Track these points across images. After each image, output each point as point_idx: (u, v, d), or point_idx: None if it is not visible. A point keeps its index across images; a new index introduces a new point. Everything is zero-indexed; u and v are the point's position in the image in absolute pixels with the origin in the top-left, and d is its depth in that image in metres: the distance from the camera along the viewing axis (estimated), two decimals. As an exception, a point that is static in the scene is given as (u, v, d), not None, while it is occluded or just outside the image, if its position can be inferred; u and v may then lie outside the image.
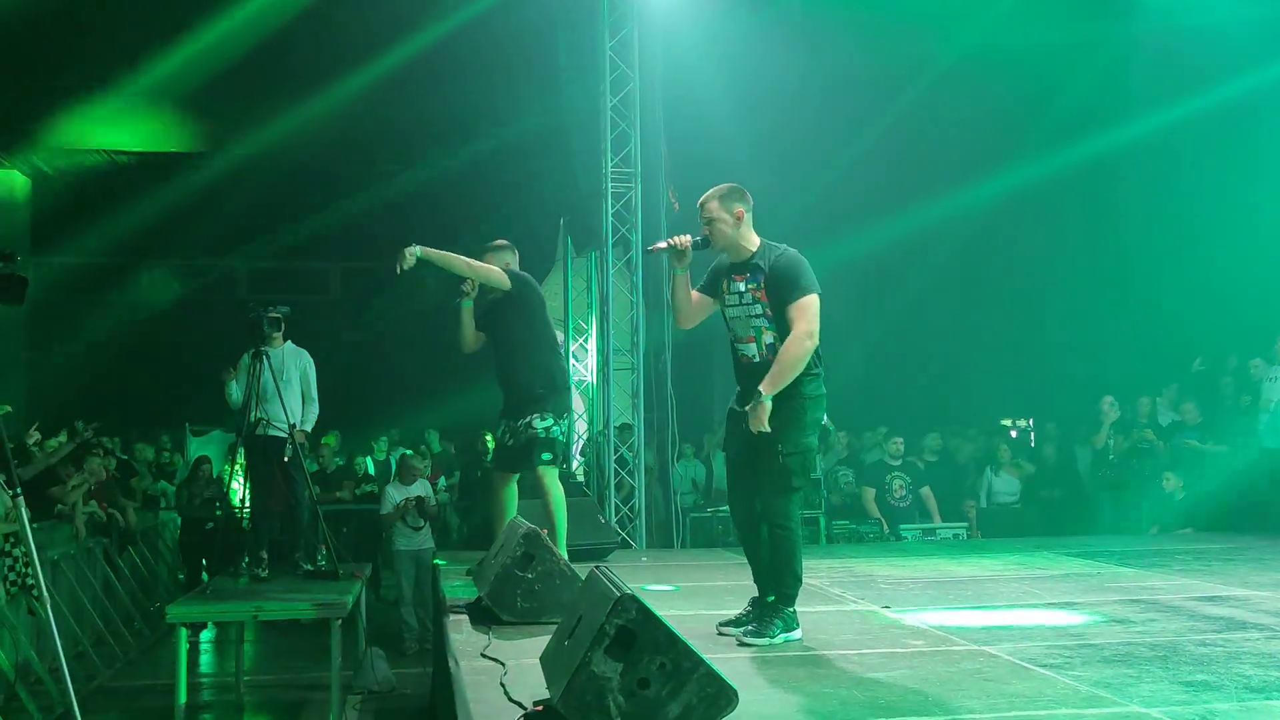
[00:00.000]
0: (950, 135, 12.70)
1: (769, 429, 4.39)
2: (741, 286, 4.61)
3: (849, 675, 3.91)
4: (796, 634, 4.53)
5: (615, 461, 9.50)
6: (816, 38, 11.04)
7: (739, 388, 4.69)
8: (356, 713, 7.17)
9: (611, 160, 9.61)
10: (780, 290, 4.50)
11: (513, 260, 6.11)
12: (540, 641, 3.75)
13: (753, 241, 4.66)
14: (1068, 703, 3.49)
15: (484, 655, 4.18)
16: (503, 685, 3.64)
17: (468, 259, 5.87)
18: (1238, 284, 10.89)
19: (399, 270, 5.70)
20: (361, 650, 7.64)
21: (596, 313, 10.28)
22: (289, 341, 7.53)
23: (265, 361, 7.17)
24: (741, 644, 4.42)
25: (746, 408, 4.45)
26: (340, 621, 6.34)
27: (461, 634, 4.67)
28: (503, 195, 13.36)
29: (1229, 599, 5.50)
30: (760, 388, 4.38)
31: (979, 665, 4.04)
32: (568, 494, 7.34)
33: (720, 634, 4.61)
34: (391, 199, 14.13)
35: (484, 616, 4.89)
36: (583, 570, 4.08)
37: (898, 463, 10.62)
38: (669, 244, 4.63)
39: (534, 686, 3.47)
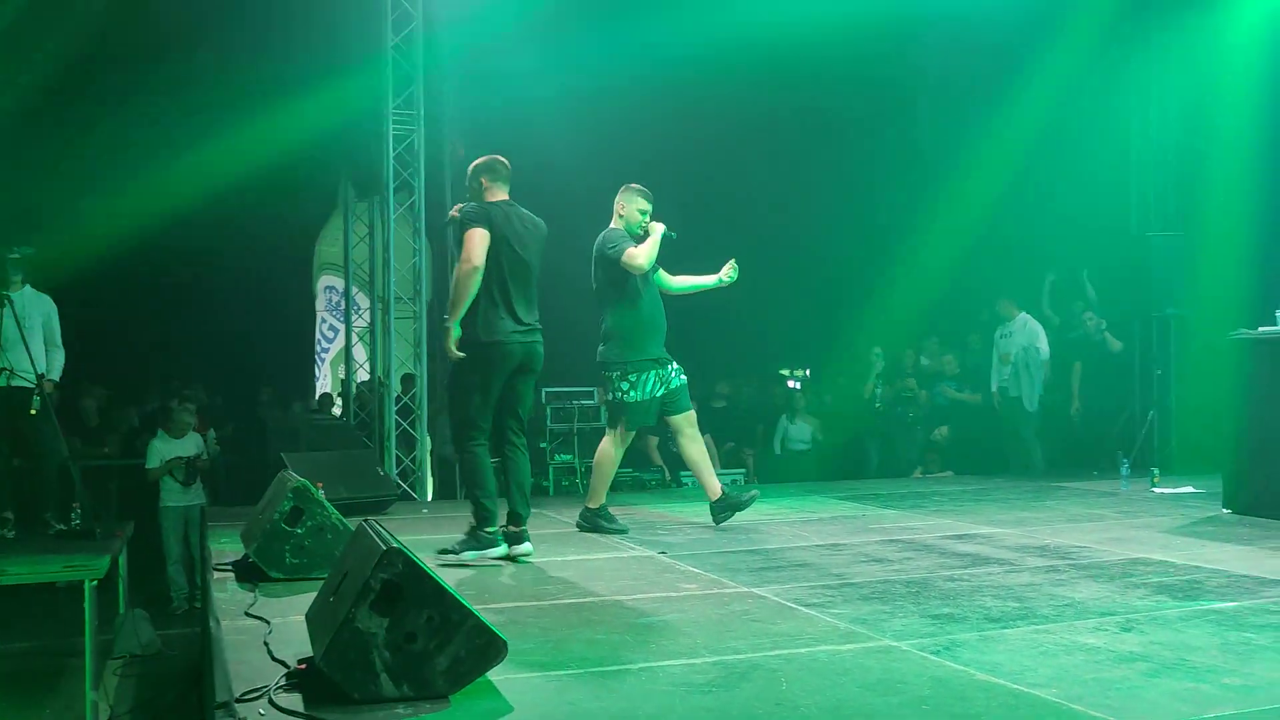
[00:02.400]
0: (734, 93, 12.87)
1: (457, 355, 5.17)
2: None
3: (623, 620, 3.97)
4: (494, 552, 5.18)
5: (398, 412, 9.29)
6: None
7: None
8: (117, 678, 6.79)
9: (393, 103, 9.30)
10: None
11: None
12: (308, 598, 3.64)
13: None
14: (827, 639, 3.65)
15: (248, 614, 4.02)
16: (266, 644, 3.51)
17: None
18: (1002, 237, 11.58)
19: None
20: (121, 614, 7.24)
21: (378, 260, 9.97)
22: (28, 285, 6.97)
23: (8, 307, 6.61)
24: (437, 563, 4.86)
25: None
26: (95, 583, 5.96)
27: (226, 592, 4.49)
28: (280, 135, 12.73)
29: (976, 536, 5.90)
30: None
31: (747, 607, 4.19)
32: (346, 445, 7.15)
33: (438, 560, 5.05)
34: (150, 130, 13.23)
35: (251, 574, 4.71)
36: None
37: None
38: None
39: (299, 645, 3.37)
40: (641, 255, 6.08)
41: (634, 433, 6.54)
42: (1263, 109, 9.94)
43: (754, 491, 6.72)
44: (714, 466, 10.67)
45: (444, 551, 5.18)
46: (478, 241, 5.17)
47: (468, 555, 5.13)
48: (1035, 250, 11.22)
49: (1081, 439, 10.20)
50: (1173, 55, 11.12)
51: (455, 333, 5.16)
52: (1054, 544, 5.63)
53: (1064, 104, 10.96)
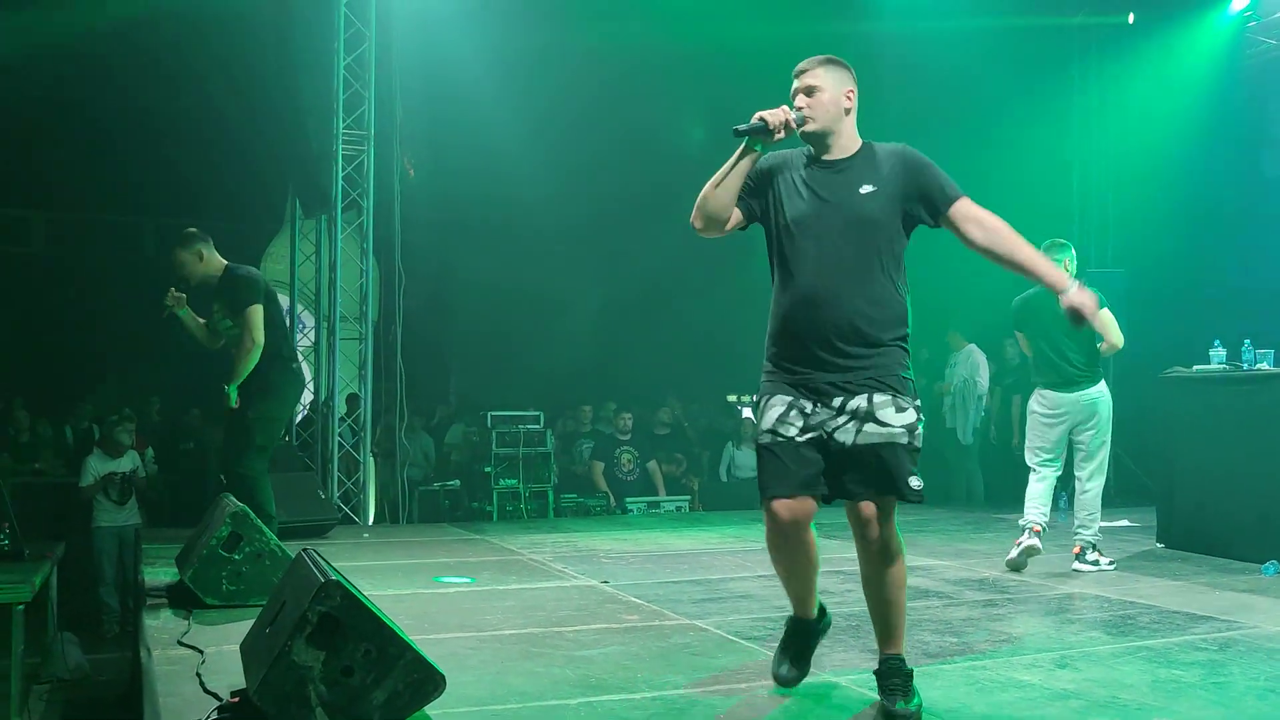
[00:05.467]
0: (690, 106, 12.86)
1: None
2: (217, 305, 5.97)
3: (562, 653, 3.96)
4: None
5: (340, 434, 9.19)
6: (567, 13, 10.99)
7: None
8: (43, 703, 6.62)
9: (344, 121, 9.24)
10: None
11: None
12: (244, 626, 3.57)
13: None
14: (768, 674, 3.66)
15: (181, 642, 3.95)
16: (199, 675, 3.45)
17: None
18: (950, 269, 11.72)
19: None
20: (50, 636, 7.06)
21: (324, 279, 9.88)
22: None
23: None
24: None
25: None
26: (23, 606, 5.81)
27: (158, 620, 4.40)
28: (230, 152, 12.60)
29: (916, 569, 5.93)
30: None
31: (689, 639, 4.19)
32: (287, 468, 7.05)
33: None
34: (104, 144, 13.06)
35: (186, 600, 4.63)
36: (299, 549, 3.92)
37: (626, 437, 10.85)
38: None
39: (233, 676, 3.31)
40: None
41: None
42: (1198, 146, 10.20)
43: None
44: (659, 493, 10.77)
45: None
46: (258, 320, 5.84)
47: None
48: (977, 283, 11.37)
49: (1023, 472, 10.33)
50: (1113, 94, 11.42)
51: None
52: (992, 577, 5.71)
53: (1008, 140, 11.14)
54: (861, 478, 3.16)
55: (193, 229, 5.96)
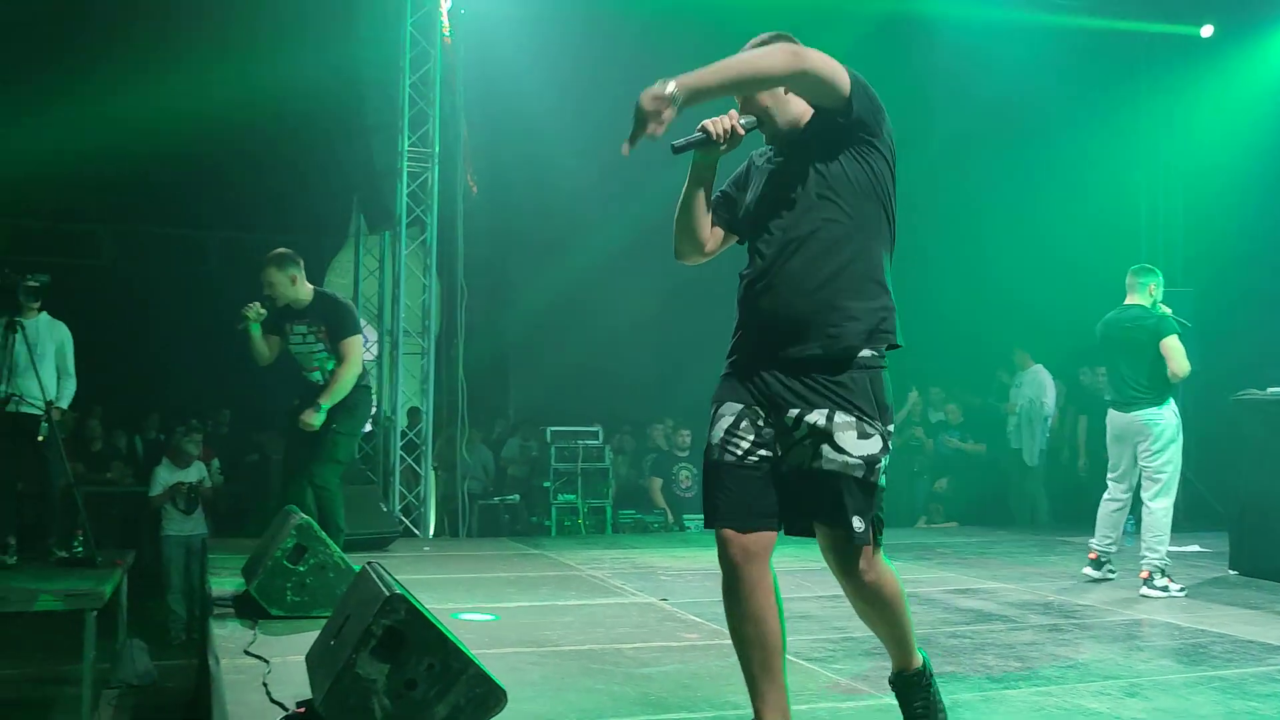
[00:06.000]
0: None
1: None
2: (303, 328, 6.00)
3: (622, 670, 3.95)
4: None
5: (402, 447, 9.29)
6: (625, 31, 11.05)
7: None
8: (112, 708, 6.76)
9: (408, 139, 9.38)
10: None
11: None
12: (309, 637, 3.62)
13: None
14: (828, 696, 3.63)
15: (248, 652, 4.01)
16: (265, 685, 3.50)
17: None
18: (1015, 288, 11.58)
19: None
20: (120, 642, 7.21)
21: (387, 294, 10.01)
22: (44, 312, 7.02)
23: (20, 333, 6.65)
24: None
25: None
26: (95, 612, 5.95)
27: (225, 629, 4.47)
28: (295, 167, 12.83)
29: (979, 591, 5.87)
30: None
31: (748, 658, 4.15)
32: (350, 481, 7.15)
33: None
34: (170, 158, 13.33)
35: (252, 610, 4.70)
36: (361, 562, 3.97)
37: (685, 454, 10.84)
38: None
39: (299, 686, 3.35)
40: None
41: None
42: (1273, 163, 9.99)
43: None
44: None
45: None
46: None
47: None
48: (1044, 303, 11.21)
49: (1088, 493, 10.16)
50: (1183, 106, 11.21)
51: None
52: (1058, 601, 5.61)
53: (1079, 161, 11.00)
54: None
55: (286, 250, 6.07)
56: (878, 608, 2.91)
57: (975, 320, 11.75)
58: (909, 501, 11.00)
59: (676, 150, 2.85)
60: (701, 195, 3.00)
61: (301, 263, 6.11)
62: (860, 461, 2.70)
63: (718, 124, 2.85)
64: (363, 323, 10.96)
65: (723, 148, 2.86)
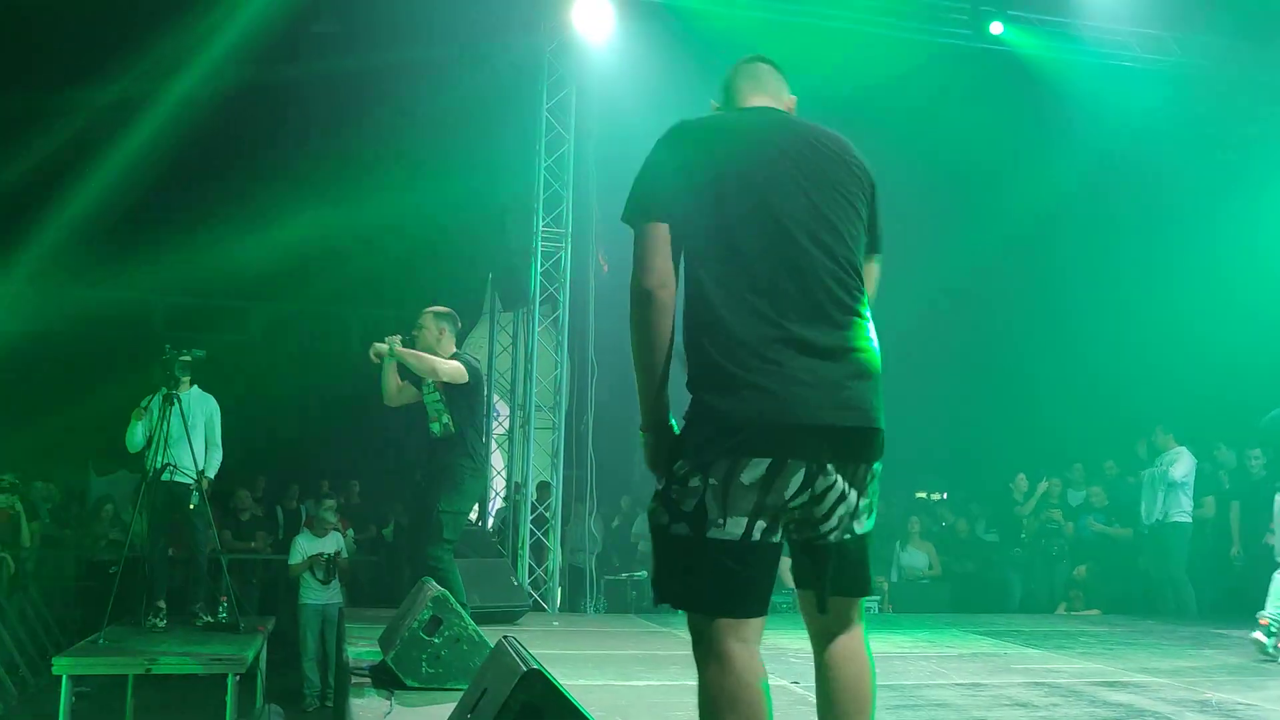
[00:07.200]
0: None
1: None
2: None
3: (755, 754, 3.87)
4: None
5: (532, 521, 9.40)
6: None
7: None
8: (250, 772, 6.93)
9: (543, 220, 9.64)
10: None
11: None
12: (444, 709, 3.67)
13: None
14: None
15: (384, 722, 4.08)
16: (402, 756, 3.55)
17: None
18: (1149, 366, 11.18)
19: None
20: (258, 707, 7.40)
21: (520, 370, 10.22)
22: (195, 385, 7.39)
23: (176, 405, 7.00)
24: None
25: None
26: (237, 677, 6.14)
27: (363, 700, 4.55)
28: (433, 247, 13.30)
29: (1128, 685, 5.59)
30: None
31: (884, 748, 4.04)
32: (483, 553, 7.25)
33: None
34: (317, 240, 13.96)
35: (388, 680, 4.77)
36: (492, 634, 4.02)
37: (814, 534, 10.64)
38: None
39: (434, 758, 3.39)
40: None
41: None
42: None
43: None
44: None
45: None
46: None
47: None
48: (1186, 381, 10.77)
49: (1243, 582, 9.62)
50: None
51: None
52: (1216, 699, 5.30)
53: (1212, 234, 10.62)
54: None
55: (451, 310, 6.41)
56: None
57: (1118, 392, 11.37)
58: (1047, 587, 10.59)
59: None
60: None
61: (458, 324, 6.39)
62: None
63: None
64: (495, 398, 11.32)
65: None
